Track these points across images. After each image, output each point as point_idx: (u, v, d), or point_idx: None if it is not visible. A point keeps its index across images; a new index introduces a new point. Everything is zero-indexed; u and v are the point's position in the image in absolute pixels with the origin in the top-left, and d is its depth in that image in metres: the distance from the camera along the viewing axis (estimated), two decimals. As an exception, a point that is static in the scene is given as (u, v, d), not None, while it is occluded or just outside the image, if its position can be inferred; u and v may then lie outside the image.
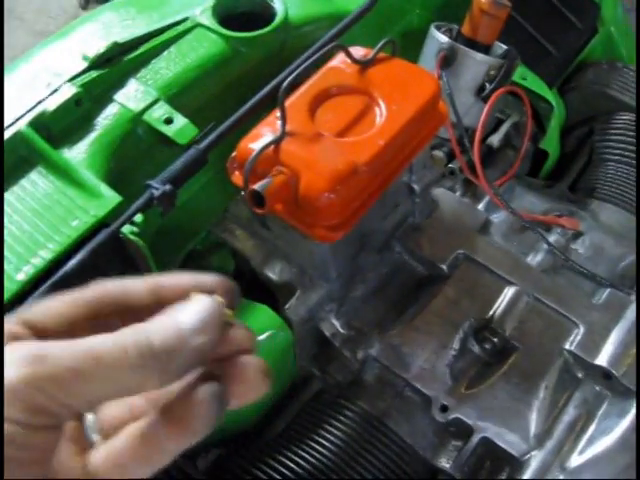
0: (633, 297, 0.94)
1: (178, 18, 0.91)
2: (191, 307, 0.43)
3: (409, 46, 1.11)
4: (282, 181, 0.73)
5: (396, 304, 0.94)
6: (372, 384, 0.91)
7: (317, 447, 0.87)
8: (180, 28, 0.90)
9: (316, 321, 0.91)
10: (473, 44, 1.02)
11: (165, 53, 0.88)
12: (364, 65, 0.83)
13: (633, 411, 0.86)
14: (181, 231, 0.89)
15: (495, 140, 1.12)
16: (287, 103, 0.77)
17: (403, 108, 0.79)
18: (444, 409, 0.86)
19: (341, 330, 0.91)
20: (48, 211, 0.73)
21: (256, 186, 0.72)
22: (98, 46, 0.84)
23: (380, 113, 0.80)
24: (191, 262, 0.96)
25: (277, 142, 0.75)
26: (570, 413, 0.87)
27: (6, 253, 0.70)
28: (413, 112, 0.79)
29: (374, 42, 0.91)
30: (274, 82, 0.84)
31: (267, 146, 0.74)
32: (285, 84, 0.76)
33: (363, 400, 0.90)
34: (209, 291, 0.45)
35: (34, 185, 0.76)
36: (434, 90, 0.82)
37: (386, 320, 0.93)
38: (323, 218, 0.75)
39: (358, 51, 0.85)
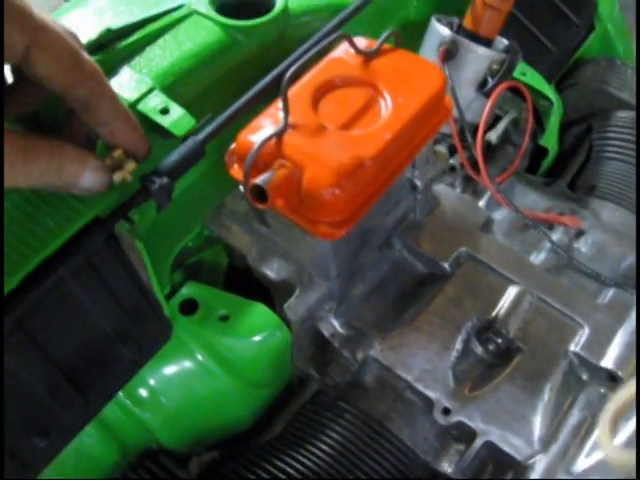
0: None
1: (174, 5, 0.88)
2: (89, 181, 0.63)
3: (406, 39, 1.08)
4: (285, 175, 0.70)
5: (396, 303, 0.92)
6: (372, 386, 0.88)
7: (315, 451, 0.84)
8: (176, 15, 0.86)
9: (314, 320, 0.88)
10: (475, 38, 0.99)
11: (160, 41, 0.84)
12: (368, 56, 0.80)
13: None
14: (175, 227, 0.85)
15: (493, 136, 1.10)
16: (289, 94, 0.74)
17: (409, 101, 0.76)
18: (446, 412, 0.84)
19: (340, 330, 0.88)
20: (37, 207, 0.69)
21: (258, 180, 0.68)
22: (90, 32, 0.80)
23: (385, 106, 0.77)
24: (183, 258, 0.93)
25: (279, 134, 0.72)
26: (575, 416, 0.85)
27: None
28: (420, 105, 0.76)
29: (371, 35, 0.88)
30: (275, 72, 0.81)
31: (269, 139, 0.71)
32: (289, 74, 0.73)
33: (363, 402, 0.87)
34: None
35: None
36: (441, 83, 0.79)
37: (386, 320, 0.90)
38: (327, 214, 0.72)
39: (361, 42, 0.82)
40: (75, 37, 0.64)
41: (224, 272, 1.00)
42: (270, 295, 0.92)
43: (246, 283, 0.94)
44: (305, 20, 0.95)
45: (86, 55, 0.63)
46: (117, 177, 0.66)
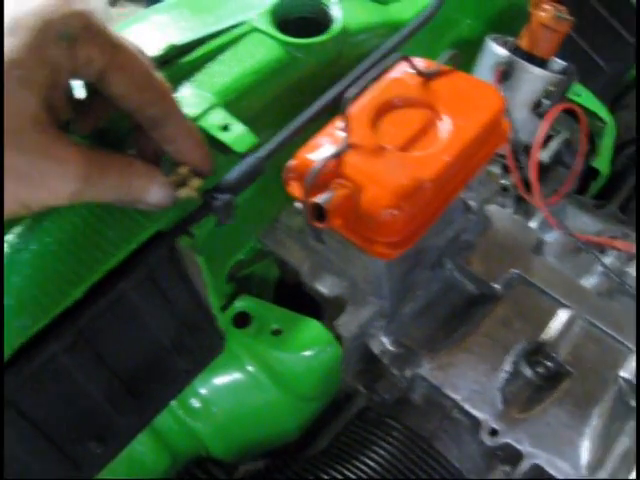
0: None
1: (234, 21, 0.89)
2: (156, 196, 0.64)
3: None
4: (344, 195, 0.71)
5: (446, 323, 0.92)
6: (419, 404, 0.89)
7: (362, 467, 0.85)
8: (236, 32, 0.87)
9: (365, 337, 0.89)
10: (531, 58, 0.99)
11: (221, 57, 0.85)
12: (427, 77, 0.81)
13: (689, 443, 0.83)
14: (230, 241, 0.87)
15: (545, 156, 1.09)
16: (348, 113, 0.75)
17: (468, 124, 0.77)
18: (494, 433, 0.84)
19: (390, 348, 0.89)
20: (102, 220, 0.70)
21: (318, 199, 0.69)
22: (154, 48, 0.81)
23: (444, 128, 0.77)
24: (235, 271, 0.94)
25: (339, 154, 0.73)
26: (623, 442, 0.84)
27: (59, 266, 0.67)
28: (479, 128, 0.77)
29: (424, 52, 0.89)
30: (335, 90, 0.81)
31: (330, 158, 0.72)
32: (349, 94, 0.74)
33: (410, 420, 0.88)
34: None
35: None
36: (499, 107, 0.79)
37: (435, 339, 0.90)
38: (385, 234, 0.72)
39: (420, 62, 0.82)
40: (146, 56, 0.65)
41: (274, 285, 1.01)
42: (317, 310, 0.93)
43: (294, 297, 0.95)
44: (362, 38, 0.95)
45: (158, 74, 0.64)
46: (182, 193, 0.67)
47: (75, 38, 0.56)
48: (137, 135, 0.69)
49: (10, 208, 0.56)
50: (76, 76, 0.59)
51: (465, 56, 1.07)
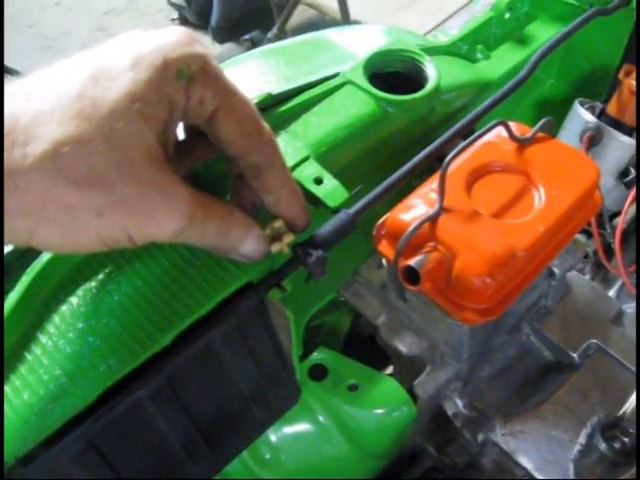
0: None
1: (328, 73, 0.90)
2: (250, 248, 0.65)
3: (540, 116, 1.09)
4: (437, 259, 0.71)
5: (520, 388, 0.91)
6: (489, 469, 0.88)
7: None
8: (331, 83, 0.88)
9: (439, 398, 0.88)
10: (619, 125, 0.99)
11: (316, 108, 0.85)
12: (522, 143, 0.81)
13: None
14: (311, 293, 0.87)
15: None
16: (442, 175, 0.74)
17: (563, 194, 0.76)
18: (565, 505, 0.83)
19: (463, 410, 0.88)
20: (193, 266, 0.70)
21: (412, 262, 0.69)
22: (250, 95, 0.82)
23: (538, 196, 0.77)
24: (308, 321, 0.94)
25: (434, 218, 0.73)
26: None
27: (149, 310, 0.67)
28: (573, 199, 0.76)
29: (506, 111, 0.88)
30: (429, 149, 0.80)
31: (424, 222, 0.72)
32: (448, 158, 0.74)
33: (479, 485, 0.87)
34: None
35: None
36: (594, 178, 0.78)
37: (509, 404, 0.89)
38: (475, 301, 0.72)
39: (515, 127, 0.82)
40: (254, 104, 0.66)
41: (344, 337, 1.00)
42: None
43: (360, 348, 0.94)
44: (452, 95, 0.96)
45: (265, 123, 0.64)
46: (274, 248, 0.67)
47: (192, 78, 0.57)
48: (236, 184, 0.69)
49: (115, 238, 0.55)
50: (187, 116, 0.60)
51: (547, 114, 1.07)
